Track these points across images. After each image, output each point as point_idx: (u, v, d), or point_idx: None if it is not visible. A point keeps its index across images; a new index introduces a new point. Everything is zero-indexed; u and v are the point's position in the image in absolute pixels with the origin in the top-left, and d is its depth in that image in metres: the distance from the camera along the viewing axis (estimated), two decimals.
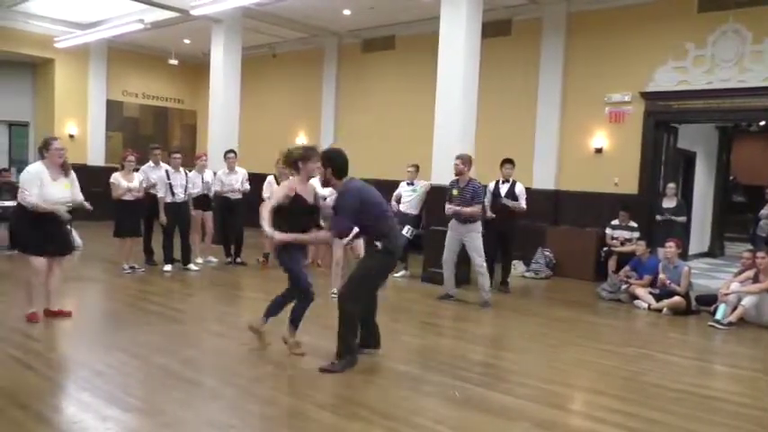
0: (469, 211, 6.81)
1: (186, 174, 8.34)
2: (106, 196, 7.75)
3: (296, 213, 4.56)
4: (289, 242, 4.49)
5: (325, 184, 4.60)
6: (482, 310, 6.82)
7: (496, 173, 8.22)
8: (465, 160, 6.95)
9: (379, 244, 4.43)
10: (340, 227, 4.39)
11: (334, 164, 4.43)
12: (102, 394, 3.83)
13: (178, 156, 8.35)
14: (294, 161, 4.62)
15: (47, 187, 5.27)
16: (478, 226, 6.95)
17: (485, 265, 6.91)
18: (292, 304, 4.73)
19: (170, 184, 8.09)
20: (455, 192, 6.95)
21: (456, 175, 7.01)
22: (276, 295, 4.81)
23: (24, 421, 3.42)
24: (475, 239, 6.88)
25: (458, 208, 6.83)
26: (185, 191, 8.26)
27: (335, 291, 6.08)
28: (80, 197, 5.66)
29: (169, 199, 8.10)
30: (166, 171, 8.18)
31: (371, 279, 4.59)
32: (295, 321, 4.72)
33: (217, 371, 4.40)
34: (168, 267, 8.20)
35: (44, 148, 5.40)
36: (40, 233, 5.29)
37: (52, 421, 3.44)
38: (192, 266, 8.39)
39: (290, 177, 4.80)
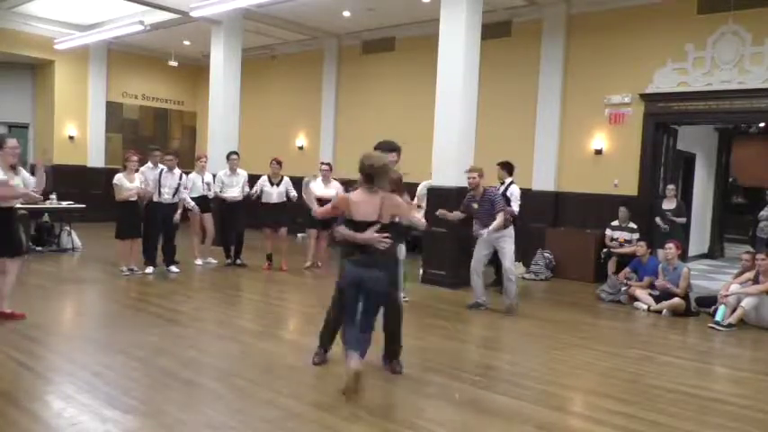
0: (498, 224, 6.49)
1: (181, 176, 8.26)
2: (106, 198, 7.69)
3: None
4: None
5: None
6: (506, 316, 6.66)
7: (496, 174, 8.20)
8: (480, 173, 6.69)
9: None
10: None
11: None
12: (102, 396, 3.82)
13: (170, 158, 8.26)
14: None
15: None
16: (510, 231, 6.77)
17: (515, 271, 6.76)
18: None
19: (159, 182, 8.03)
20: (476, 206, 6.72)
21: (471, 187, 6.73)
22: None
23: (23, 423, 3.41)
24: (507, 244, 6.72)
25: (489, 228, 6.50)
26: (174, 193, 8.15)
27: None
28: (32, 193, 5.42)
29: (155, 198, 8.03)
30: (160, 171, 8.14)
31: None
32: None
33: (216, 372, 4.39)
34: (150, 269, 8.11)
35: None
36: None
37: (51, 423, 3.44)
38: (173, 268, 8.26)
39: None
